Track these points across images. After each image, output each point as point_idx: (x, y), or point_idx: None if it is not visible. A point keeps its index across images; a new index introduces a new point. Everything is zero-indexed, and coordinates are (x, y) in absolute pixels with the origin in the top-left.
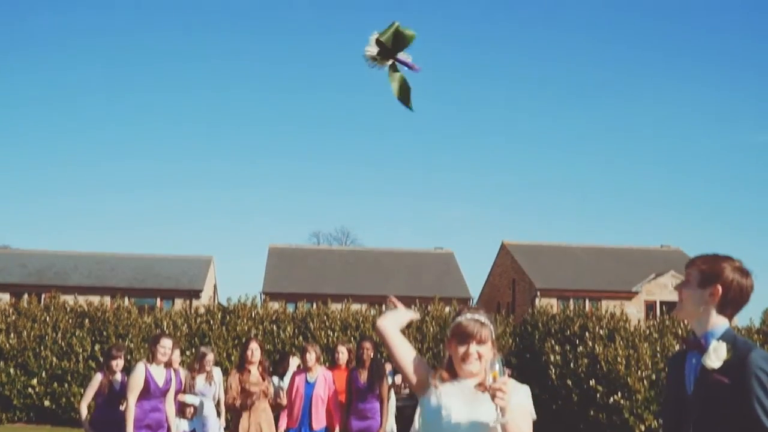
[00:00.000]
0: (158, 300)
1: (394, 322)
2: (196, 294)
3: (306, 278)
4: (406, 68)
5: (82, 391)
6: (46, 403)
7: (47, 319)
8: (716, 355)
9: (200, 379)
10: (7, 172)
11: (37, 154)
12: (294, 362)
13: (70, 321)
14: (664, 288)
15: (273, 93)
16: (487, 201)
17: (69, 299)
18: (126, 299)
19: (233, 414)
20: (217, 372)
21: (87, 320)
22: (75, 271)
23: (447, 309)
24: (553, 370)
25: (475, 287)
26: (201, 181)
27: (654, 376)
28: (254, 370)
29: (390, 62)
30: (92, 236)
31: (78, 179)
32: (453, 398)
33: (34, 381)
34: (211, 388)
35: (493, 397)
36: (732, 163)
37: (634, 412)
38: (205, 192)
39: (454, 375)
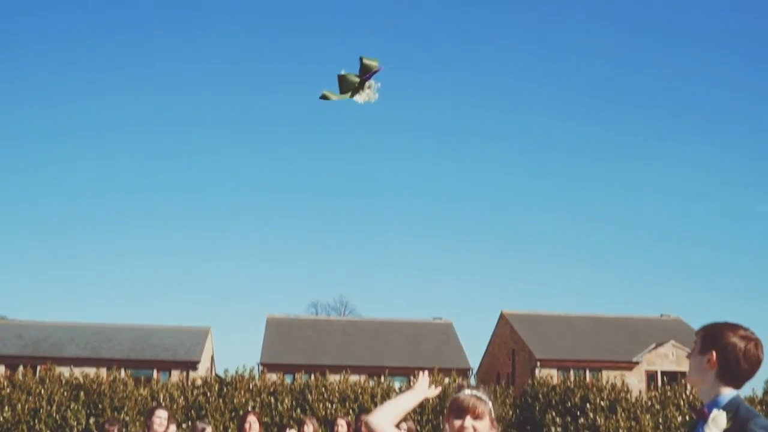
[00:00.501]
0: (155, 371)
1: (388, 416)
2: (193, 365)
3: (304, 349)
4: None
5: None
6: None
7: (42, 391)
8: (715, 425)
9: None
10: (4, 243)
11: (34, 224)
12: None
13: (65, 393)
14: (664, 358)
15: (269, 162)
16: (486, 270)
17: (65, 371)
18: (122, 371)
19: None
20: None
21: (82, 393)
22: (71, 343)
23: (446, 380)
24: None
25: (474, 358)
26: (198, 251)
27: None
28: None
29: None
30: (89, 307)
31: (74, 249)
32: None
33: None
34: None
35: None
36: (733, 232)
37: None
38: (202, 262)
39: None
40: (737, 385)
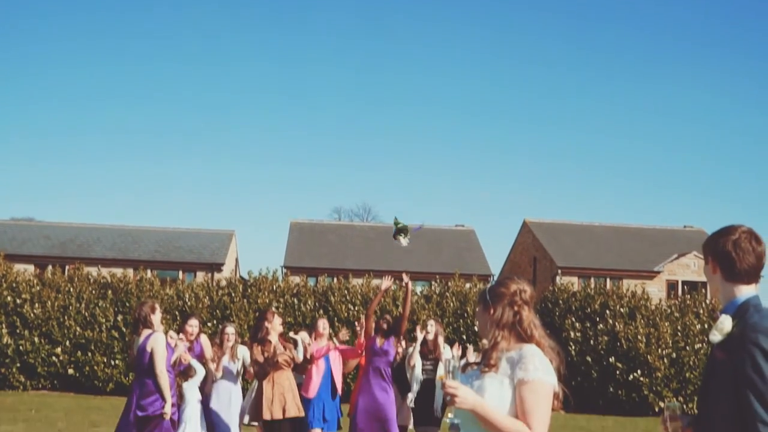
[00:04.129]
0: (180, 273)
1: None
2: (217, 267)
3: (327, 253)
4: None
5: (105, 359)
6: (70, 371)
7: (71, 289)
8: (717, 330)
9: (224, 358)
10: (31, 144)
11: (60, 126)
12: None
13: (94, 292)
14: (686, 268)
15: (294, 67)
16: (510, 179)
17: (92, 271)
18: (148, 272)
19: (257, 385)
20: (242, 349)
21: (110, 291)
22: (98, 244)
23: (467, 285)
24: (573, 347)
25: (495, 264)
26: (223, 155)
27: (674, 355)
28: (275, 340)
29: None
30: (115, 209)
31: (100, 151)
32: None
33: (58, 350)
34: (234, 365)
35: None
36: (757, 144)
37: (653, 389)
38: (227, 166)
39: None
40: (747, 281)
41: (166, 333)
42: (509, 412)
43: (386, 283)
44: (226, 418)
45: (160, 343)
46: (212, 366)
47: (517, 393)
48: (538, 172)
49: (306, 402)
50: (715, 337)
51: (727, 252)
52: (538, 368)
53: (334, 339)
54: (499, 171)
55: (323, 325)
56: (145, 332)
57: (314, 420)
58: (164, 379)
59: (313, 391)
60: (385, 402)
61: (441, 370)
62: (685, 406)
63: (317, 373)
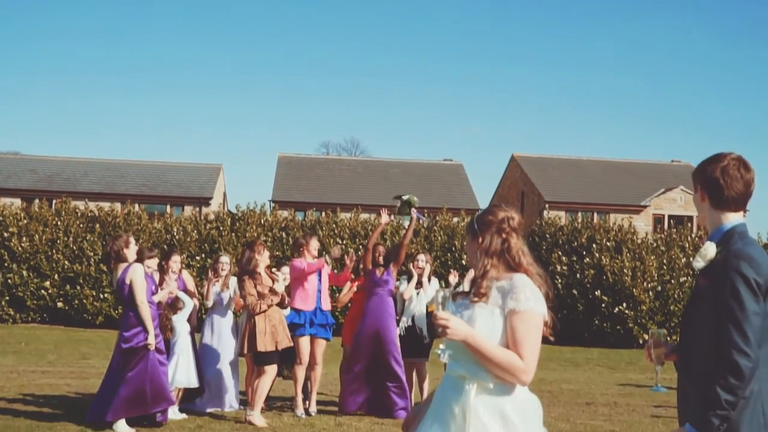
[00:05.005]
0: (168, 206)
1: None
2: (205, 201)
3: (315, 187)
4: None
5: (94, 293)
6: (59, 304)
7: (58, 223)
8: (701, 256)
9: (216, 287)
10: (17, 78)
11: (47, 59)
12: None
13: (81, 226)
14: (672, 202)
15: (283, 4)
16: (498, 114)
17: (79, 205)
18: (136, 205)
19: (248, 319)
20: (233, 279)
21: (98, 225)
22: (85, 177)
23: (455, 219)
24: (560, 280)
25: (483, 199)
26: (211, 89)
27: (659, 288)
28: (264, 273)
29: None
30: (102, 142)
31: (88, 85)
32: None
33: (47, 283)
34: (226, 294)
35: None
36: (744, 78)
37: (638, 322)
38: (216, 100)
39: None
40: (734, 209)
41: (160, 262)
42: (500, 342)
43: (384, 218)
44: (217, 348)
45: (138, 274)
46: (198, 297)
47: (508, 323)
48: (527, 106)
49: (296, 312)
50: (699, 263)
51: (715, 179)
52: (530, 298)
53: (327, 257)
54: (487, 105)
55: (315, 245)
56: (122, 266)
57: (302, 328)
58: (145, 309)
59: (311, 304)
60: (388, 326)
61: (427, 299)
62: (669, 338)
63: (312, 287)
